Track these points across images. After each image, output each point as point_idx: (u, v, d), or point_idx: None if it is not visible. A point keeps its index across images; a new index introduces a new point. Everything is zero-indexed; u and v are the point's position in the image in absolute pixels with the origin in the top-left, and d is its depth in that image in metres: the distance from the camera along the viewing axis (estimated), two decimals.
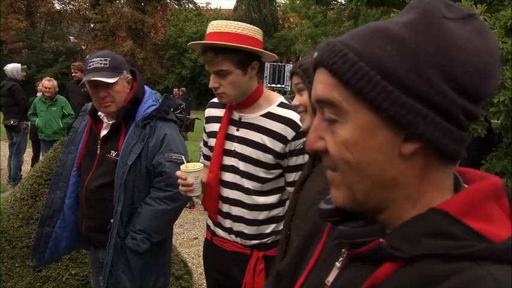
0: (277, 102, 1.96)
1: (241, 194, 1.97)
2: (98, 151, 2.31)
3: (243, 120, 1.97)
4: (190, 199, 6.24)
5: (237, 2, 30.29)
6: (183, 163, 2.31)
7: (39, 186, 3.33)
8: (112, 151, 2.26)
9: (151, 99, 2.31)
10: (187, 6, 32.69)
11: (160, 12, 31.96)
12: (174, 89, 16.29)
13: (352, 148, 0.64)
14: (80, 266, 3.26)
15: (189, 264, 4.03)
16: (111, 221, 2.20)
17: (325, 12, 16.28)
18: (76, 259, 3.27)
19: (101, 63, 2.18)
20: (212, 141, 2.05)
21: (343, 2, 15.01)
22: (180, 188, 1.93)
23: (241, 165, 1.95)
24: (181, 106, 9.00)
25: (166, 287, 2.49)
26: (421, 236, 0.60)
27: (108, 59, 2.20)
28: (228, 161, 1.98)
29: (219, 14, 31.35)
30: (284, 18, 30.28)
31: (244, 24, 1.88)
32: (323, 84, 0.66)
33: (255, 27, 1.90)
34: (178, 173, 1.92)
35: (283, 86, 10.25)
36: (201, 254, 2.31)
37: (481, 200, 0.61)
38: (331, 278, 0.73)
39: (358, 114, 0.63)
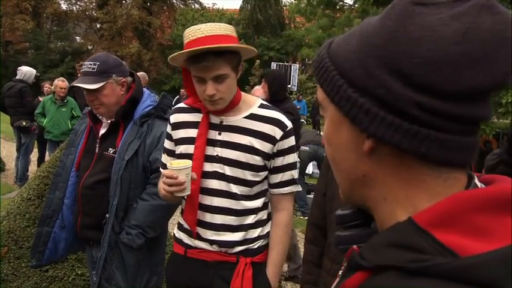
0: (258, 104, 1.90)
1: (228, 200, 1.86)
2: (97, 150, 2.36)
3: (225, 123, 1.87)
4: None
5: (243, 2, 30.32)
6: None
7: (45, 186, 3.33)
8: (110, 148, 2.31)
9: (149, 99, 2.37)
10: (193, 6, 32.77)
11: (167, 13, 32.05)
12: (181, 90, 16.35)
13: (329, 143, 0.69)
14: (86, 267, 3.26)
15: None
16: (107, 215, 2.23)
17: (335, 15, 16.19)
18: (82, 259, 3.27)
19: (89, 68, 2.23)
20: (186, 148, 1.91)
21: (350, 3, 14.95)
22: (169, 188, 1.75)
23: (228, 170, 1.84)
24: None
25: (160, 287, 2.50)
26: (386, 245, 0.56)
27: (97, 63, 2.24)
28: (210, 167, 1.86)
29: (222, 14, 31.38)
30: (290, 18, 30.26)
31: (225, 24, 1.81)
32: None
33: (230, 26, 1.84)
34: (166, 171, 1.76)
35: (289, 85, 10.22)
36: None
37: (462, 209, 0.54)
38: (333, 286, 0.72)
39: (329, 110, 0.66)
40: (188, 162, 1.76)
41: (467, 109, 0.56)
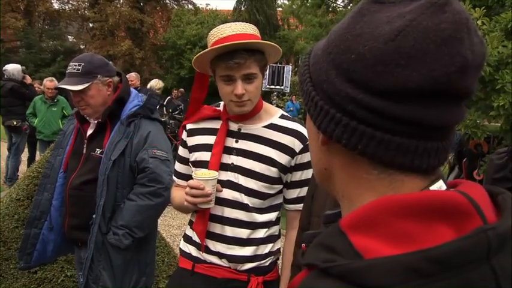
0: (279, 114, 1.84)
1: (239, 211, 1.77)
2: (84, 150, 2.34)
3: (242, 131, 1.80)
4: None
5: (236, 2, 30.30)
6: (168, 160, 2.28)
7: (35, 187, 3.29)
8: (97, 149, 2.30)
9: (136, 99, 2.36)
10: (186, 6, 32.67)
11: (160, 13, 31.94)
12: (173, 90, 16.31)
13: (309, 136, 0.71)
14: (76, 268, 3.23)
15: None
16: (93, 216, 2.22)
17: (330, 15, 16.20)
18: (71, 261, 3.24)
19: (74, 69, 2.21)
20: (200, 155, 1.84)
21: (342, 5, 14.95)
22: (194, 200, 1.67)
23: (242, 180, 1.77)
24: (180, 107, 9.01)
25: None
26: (317, 245, 0.57)
27: (82, 64, 2.22)
28: (224, 175, 1.78)
29: (216, 15, 31.30)
30: (284, 19, 30.28)
31: (251, 24, 1.78)
32: None
33: (255, 27, 1.81)
34: (193, 182, 1.67)
35: (282, 87, 10.21)
36: None
37: (384, 212, 0.53)
38: None
39: None
40: (215, 173, 1.71)
41: (407, 110, 0.54)
